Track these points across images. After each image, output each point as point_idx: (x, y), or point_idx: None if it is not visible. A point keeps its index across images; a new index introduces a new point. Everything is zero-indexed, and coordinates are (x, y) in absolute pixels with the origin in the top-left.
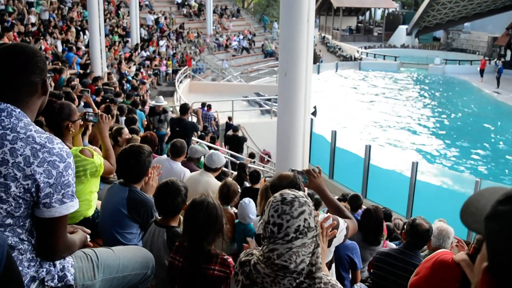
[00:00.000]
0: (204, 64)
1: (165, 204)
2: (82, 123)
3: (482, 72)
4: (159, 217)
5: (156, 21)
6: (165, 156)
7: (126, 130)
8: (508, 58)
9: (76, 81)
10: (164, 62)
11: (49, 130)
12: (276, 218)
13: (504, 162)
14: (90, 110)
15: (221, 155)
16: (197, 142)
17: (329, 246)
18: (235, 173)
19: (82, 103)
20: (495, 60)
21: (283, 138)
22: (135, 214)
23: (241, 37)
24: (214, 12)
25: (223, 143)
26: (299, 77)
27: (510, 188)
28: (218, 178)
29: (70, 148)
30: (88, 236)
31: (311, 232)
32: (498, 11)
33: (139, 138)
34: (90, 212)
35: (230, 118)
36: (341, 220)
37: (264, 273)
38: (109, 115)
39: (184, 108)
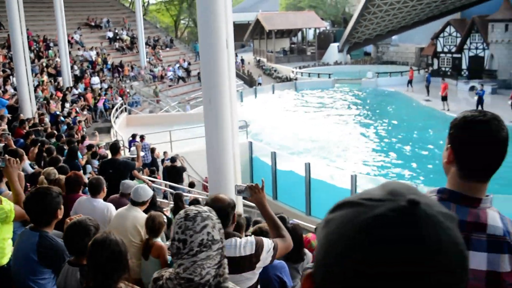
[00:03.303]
0: (140, 97)
1: (73, 244)
2: None
3: (411, 82)
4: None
5: (104, 61)
6: (85, 196)
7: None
8: (435, 67)
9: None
10: (103, 98)
11: None
12: (180, 235)
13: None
14: None
15: (147, 188)
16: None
17: (253, 268)
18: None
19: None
20: (425, 69)
21: (213, 164)
22: (46, 260)
23: (177, 66)
24: (147, 44)
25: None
26: (224, 103)
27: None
28: (148, 211)
29: None
30: None
31: (216, 244)
32: (422, 23)
33: (64, 178)
34: (5, 260)
35: (165, 153)
36: (266, 241)
37: None
38: (17, 159)
39: (115, 148)
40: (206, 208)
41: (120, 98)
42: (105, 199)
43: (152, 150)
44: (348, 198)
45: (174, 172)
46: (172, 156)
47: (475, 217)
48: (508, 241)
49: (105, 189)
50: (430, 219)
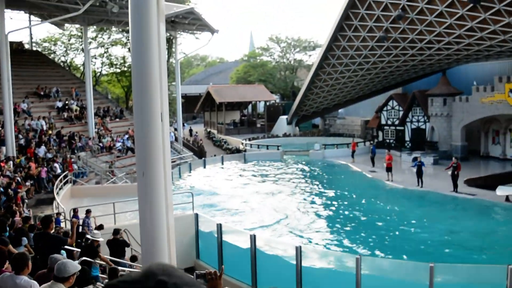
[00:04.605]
0: (87, 167)
1: None
2: None
3: (353, 153)
4: None
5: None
6: (8, 272)
7: None
8: (380, 138)
9: None
10: (45, 169)
11: None
12: None
13: (391, 239)
14: None
15: (71, 263)
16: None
17: None
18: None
19: None
20: (370, 141)
21: (147, 239)
22: None
23: (126, 137)
24: (96, 114)
25: None
26: (158, 176)
27: None
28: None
29: None
30: None
31: None
32: (366, 97)
33: None
34: None
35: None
36: None
37: None
38: None
39: (47, 221)
40: None
41: (59, 169)
42: (33, 274)
43: (99, 227)
44: (110, 281)
45: (115, 246)
46: (115, 228)
47: None
48: None
49: (30, 265)
50: None
